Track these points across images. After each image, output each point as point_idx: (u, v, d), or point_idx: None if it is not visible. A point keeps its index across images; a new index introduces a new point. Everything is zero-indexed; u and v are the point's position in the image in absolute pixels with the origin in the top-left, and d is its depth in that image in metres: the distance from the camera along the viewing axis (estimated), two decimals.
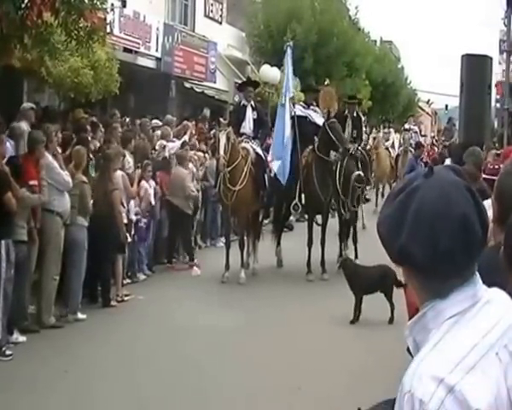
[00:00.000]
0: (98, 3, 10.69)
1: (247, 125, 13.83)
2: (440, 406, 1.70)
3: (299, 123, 13.94)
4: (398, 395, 1.81)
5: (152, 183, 13.07)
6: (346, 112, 15.46)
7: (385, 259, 2.06)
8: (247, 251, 13.71)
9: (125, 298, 11.29)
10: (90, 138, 12.27)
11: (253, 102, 14.16)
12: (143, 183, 12.67)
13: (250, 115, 13.85)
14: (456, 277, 1.86)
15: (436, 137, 44.63)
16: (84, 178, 10.26)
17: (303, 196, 13.66)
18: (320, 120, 14.25)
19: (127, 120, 15.93)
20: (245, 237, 13.69)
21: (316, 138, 13.82)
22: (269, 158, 14.26)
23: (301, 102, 15.02)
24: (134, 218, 12.13)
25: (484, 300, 1.89)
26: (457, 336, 1.81)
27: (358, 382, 7.69)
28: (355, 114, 15.51)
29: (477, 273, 1.92)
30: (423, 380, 1.73)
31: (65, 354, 8.63)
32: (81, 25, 10.36)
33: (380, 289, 10.26)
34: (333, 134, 13.31)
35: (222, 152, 12.40)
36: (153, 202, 12.95)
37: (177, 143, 14.69)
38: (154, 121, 16.55)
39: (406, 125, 28.11)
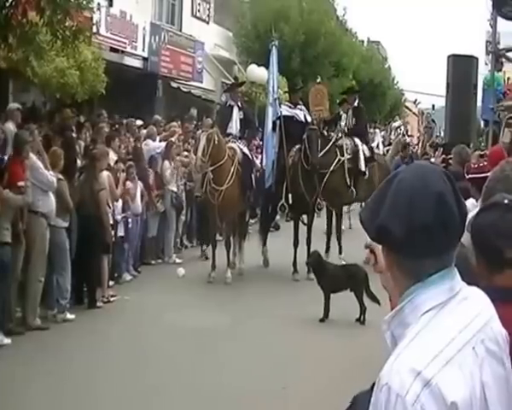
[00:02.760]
0: (84, 2, 10.65)
1: (234, 126, 13.83)
2: (416, 400, 1.71)
3: (286, 123, 13.94)
4: (375, 387, 1.83)
5: (139, 183, 13.02)
6: (341, 112, 15.39)
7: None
8: (233, 251, 13.71)
9: (111, 299, 11.25)
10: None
11: (239, 103, 14.17)
12: (128, 183, 12.62)
13: (236, 115, 13.85)
14: (434, 257, 1.89)
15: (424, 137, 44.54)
16: (60, 176, 10.13)
17: (290, 196, 13.67)
18: (308, 117, 14.27)
19: (107, 119, 15.75)
20: (231, 237, 13.69)
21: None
22: (259, 161, 14.34)
23: (287, 102, 15.01)
24: (119, 217, 12.08)
25: (462, 295, 1.92)
26: (435, 331, 1.83)
27: (343, 380, 7.67)
28: (356, 104, 15.35)
29: (455, 267, 1.94)
30: (400, 373, 1.75)
31: (50, 356, 8.58)
32: (67, 24, 10.29)
33: (349, 287, 10.31)
34: (308, 144, 13.34)
35: (200, 153, 12.41)
36: (138, 203, 12.91)
37: (163, 143, 14.69)
38: (137, 122, 16.55)
39: (396, 124, 27.90)
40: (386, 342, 1.97)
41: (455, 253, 1.93)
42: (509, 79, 16.14)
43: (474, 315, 1.89)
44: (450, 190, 1.90)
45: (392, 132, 27.01)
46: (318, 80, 15.89)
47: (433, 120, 30.36)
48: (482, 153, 10.87)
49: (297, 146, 13.83)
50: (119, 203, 12.08)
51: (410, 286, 1.91)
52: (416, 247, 1.86)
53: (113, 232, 11.41)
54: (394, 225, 1.86)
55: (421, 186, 1.88)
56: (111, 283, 11.77)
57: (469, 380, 1.78)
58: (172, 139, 15.01)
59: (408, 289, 1.91)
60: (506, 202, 2.74)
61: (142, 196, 13.19)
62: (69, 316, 10.10)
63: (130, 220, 12.62)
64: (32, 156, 9.54)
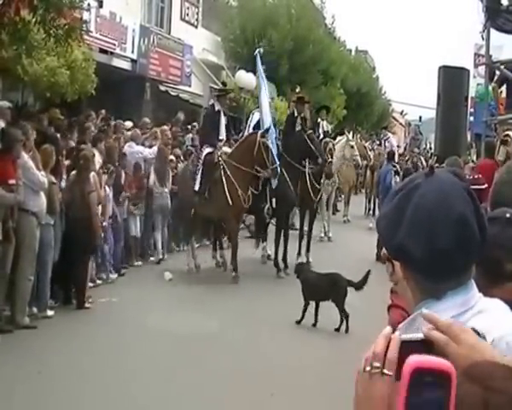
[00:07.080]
0: (77, 1, 10.58)
1: (222, 131, 13.95)
2: None
3: None
4: None
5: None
6: (296, 113, 15.23)
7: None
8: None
9: (99, 300, 11.18)
10: (64, 139, 12.15)
11: (224, 108, 14.36)
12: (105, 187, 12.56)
13: (223, 121, 14.00)
14: (452, 278, 1.88)
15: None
16: (53, 179, 10.09)
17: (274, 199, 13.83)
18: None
19: (97, 120, 15.65)
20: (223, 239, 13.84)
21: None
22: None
23: None
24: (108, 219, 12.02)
25: (477, 309, 1.90)
26: None
27: (331, 386, 7.66)
28: (302, 115, 15.19)
29: (472, 280, 1.93)
30: None
31: (38, 355, 8.52)
32: (59, 23, 10.23)
33: (330, 297, 10.28)
34: (314, 145, 13.67)
35: None
36: (109, 208, 12.76)
37: (154, 149, 14.69)
38: (127, 123, 16.52)
39: (388, 135, 28.09)
40: None
41: (473, 268, 1.93)
42: (501, 92, 16.24)
43: (486, 330, 1.82)
44: (471, 207, 1.88)
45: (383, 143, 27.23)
46: (298, 89, 16.15)
47: (421, 132, 30.58)
48: (474, 166, 10.92)
49: None
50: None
51: (425, 299, 1.91)
52: (435, 270, 1.86)
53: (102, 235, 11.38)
54: (413, 246, 1.84)
55: (442, 206, 1.85)
56: (97, 283, 11.72)
57: None
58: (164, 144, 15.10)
59: (422, 301, 1.91)
60: (508, 215, 2.74)
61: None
62: (50, 313, 10.09)
63: (105, 223, 12.49)
64: (24, 155, 9.46)
